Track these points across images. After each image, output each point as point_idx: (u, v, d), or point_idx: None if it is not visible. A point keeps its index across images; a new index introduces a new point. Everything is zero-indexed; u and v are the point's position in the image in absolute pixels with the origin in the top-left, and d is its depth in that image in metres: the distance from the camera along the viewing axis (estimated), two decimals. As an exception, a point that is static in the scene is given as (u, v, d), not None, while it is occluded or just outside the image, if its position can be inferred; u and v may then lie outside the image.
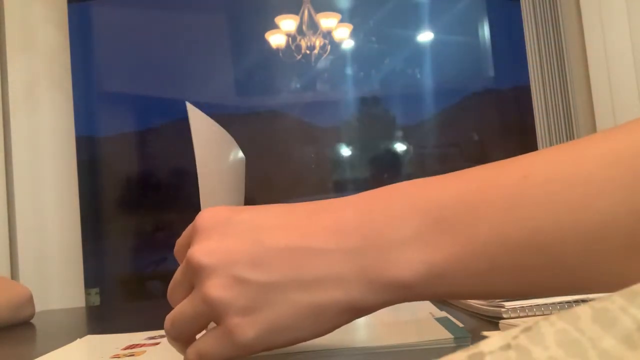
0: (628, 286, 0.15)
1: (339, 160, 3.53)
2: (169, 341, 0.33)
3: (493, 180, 0.27)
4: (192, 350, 0.31)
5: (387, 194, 0.29)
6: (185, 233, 0.33)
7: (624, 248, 0.23)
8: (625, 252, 0.24)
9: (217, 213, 0.31)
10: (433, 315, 0.43)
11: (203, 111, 0.42)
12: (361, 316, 0.29)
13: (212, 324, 0.31)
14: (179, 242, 0.34)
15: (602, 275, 0.24)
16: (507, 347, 0.15)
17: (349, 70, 3.56)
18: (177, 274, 0.32)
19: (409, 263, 0.26)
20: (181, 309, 0.31)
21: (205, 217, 0.31)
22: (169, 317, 0.32)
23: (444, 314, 0.43)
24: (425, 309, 0.47)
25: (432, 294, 0.28)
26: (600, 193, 0.24)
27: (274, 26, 3.02)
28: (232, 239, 0.30)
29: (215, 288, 0.28)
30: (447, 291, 0.27)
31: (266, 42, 3.08)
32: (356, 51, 3.51)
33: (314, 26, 2.97)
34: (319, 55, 3.00)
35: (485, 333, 0.37)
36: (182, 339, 0.32)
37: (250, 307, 0.28)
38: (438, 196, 0.27)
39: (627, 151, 0.24)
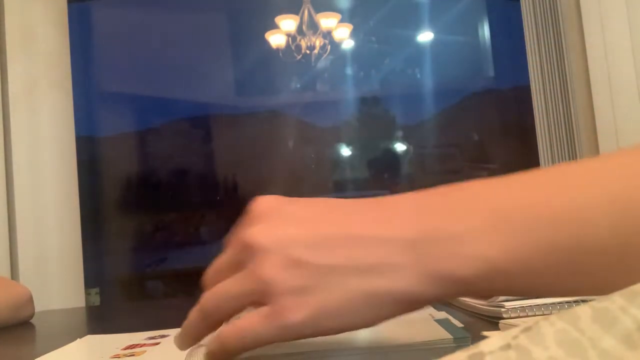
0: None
1: (339, 160, 3.53)
2: (196, 319, 0.31)
3: (558, 189, 0.26)
4: (230, 327, 0.30)
5: (447, 190, 0.29)
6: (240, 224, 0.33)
7: None
8: None
9: (273, 200, 0.31)
10: (432, 317, 0.43)
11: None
12: (414, 309, 0.28)
13: (246, 311, 0.30)
14: (235, 232, 0.33)
15: None
16: (507, 347, 0.15)
17: (349, 70, 3.56)
18: (224, 256, 0.32)
19: (468, 258, 0.26)
20: (226, 285, 0.30)
21: (261, 202, 0.31)
22: (209, 292, 0.31)
23: (443, 314, 0.43)
24: (425, 309, 0.47)
25: (488, 290, 0.27)
26: None
27: (274, 26, 3.02)
28: (290, 223, 0.30)
29: (270, 267, 0.28)
30: (504, 288, 0.27)
31: (266, 42, 3.08)
32: (356, 51, 3.51)
33: (314, 26, 2.97)
34: (319, 55, 3.00)
35: (485, 333, 0.37)
36: (216, 317, 0.31)
37: (303, 288, 0.27)
38: (502, 198, 0.27)
39: None
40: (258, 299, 0.29)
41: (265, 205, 0.31)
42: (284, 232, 0.29)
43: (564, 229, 0.25)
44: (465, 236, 0.26)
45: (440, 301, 0.28)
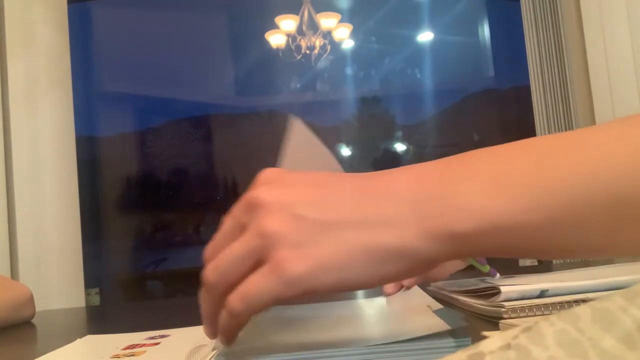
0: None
1: (338, 160, 3.53)
2: (205, 294, 0.31)
3: (555, 149, 0.27)
4: (234, 295, 0.29)
5: (448, 159, 0.30)
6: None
7: None
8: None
9: (278, 170, 0.32)
10: (431, 308, 0.43)
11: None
12: (414, 268, 0.28)
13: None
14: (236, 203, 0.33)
15: None
16: (507, 347, 0.15)
17: (349, 70, 3.56)
18: (225, 224, 0.32)
19: (468, 214, 0.26)
20: (229, 250, 0.30)
21: (267, 172, 0.32)
22: (212, 263, 0.31)
23: (441, 306, 0.43)
24: (423, 302, 0.47)
25: (488, 246, 0.27)
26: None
27: (274, 26, 3.02)
28: (294, 185, 0.30)
29: (272, 221, 0.28)
30: (505, 244, 0.27)
31: (266, 42, 3.08)
32: (356, 51, 3.51)
33: (314, 26, 2.97)
34: (319, 55, 3.00)
35: (485, 333, 0.37)
36: (222, 288, 0.30)
37: (304, 242, 0.28)
38: (502, 165, 0.28)
39: None
40: (260, 257, 0.29)
41: (270, 173, 0.32)
42: (287, 192, 0.30)
43: (562, 194, 0.26)
44: (465, 195, 0.27)
45: (440, 260, 0.28)
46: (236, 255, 0.30)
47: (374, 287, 0.29)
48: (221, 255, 0.30)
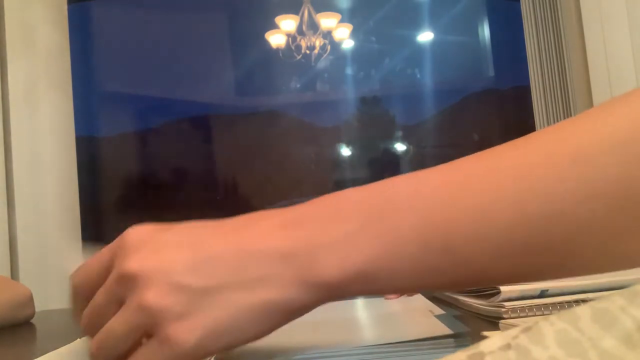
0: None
1: (339, 160, 3.53)
2: None
3: (423, 180, 0.29)
4: None
5: (321, 199, 0.30)
6: (100, 257, 0.31)
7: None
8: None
9: (145, 229, 0.31)
10: (433, 313, 0.43)
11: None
12: (298, 316, 0.29)
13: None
14: (91, 267, 0.32)
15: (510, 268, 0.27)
16: (507, 347, 0.15)
17: (349, 70, 3.56)
18: (99, 296, 0.30)
19: (336, 264, 0.28)
20: (111, 326, 0.29)
21: (133, 232, 0.30)
22: (94, 340, 0.30)
23: (442, 311, 0.43)
24: (425, 307, 0.47)
25: (359, 291, 0.29)
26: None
27: (274, 26, 3.02)
28: (166, 249, 0.29)
29: (152, 296, 0.28)
30: (374, 289, 0.29)
31: (266, 42, 3.08)
32: (356, 51, 3.51)
33: (314, 26, 2.97)
34: (319, 55, 3.00)
35: (485, 333, 0.37)
36: None
37: (189, 312, 0.28)
38: (366, 197, 0.29)
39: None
40: (146, 331, 0.28)
41: (138, 235, 0.30)
42: (162, 258, 0.29)
43: (432, 219, 0.27)
44: (333, 243, 0.28)
45: (316, 306, 0.29)
46: (120, 332, 0.29)
47: (264, 337, 0.30)
48: (104, 331, 0.30)
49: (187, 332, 0.27)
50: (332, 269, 0.28)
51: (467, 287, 0.29)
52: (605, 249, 0.26)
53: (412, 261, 0.27)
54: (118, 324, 0.29)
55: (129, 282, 0.28)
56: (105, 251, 0.31)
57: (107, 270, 0.30)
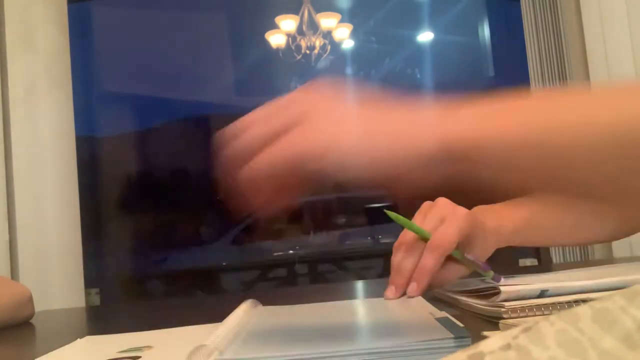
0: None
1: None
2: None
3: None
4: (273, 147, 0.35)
5: (457, 101, 0.37)
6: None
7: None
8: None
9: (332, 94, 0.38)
10: (433, 315, 0.43)
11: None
12: (411, 162, 0.35)
13: None
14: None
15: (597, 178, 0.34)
16: (507, 347, 0.15)
17: (349, 70, 3.56)
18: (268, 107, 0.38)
19: (466, 126, 0.35)
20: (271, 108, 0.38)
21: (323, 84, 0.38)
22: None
23: (443, 314, 0.43)
24: (425, 309, 0.47)
25: (480, 157, 0.35)
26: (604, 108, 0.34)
27: (274, 26, 3.02)
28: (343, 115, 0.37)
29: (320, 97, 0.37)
30: (495, 156, 0.35)
31: (266, 42, 3.08)
32: (356, 51, 3.51)
33: (314, 26, 2.97)
34: (319, 55, 3.00)
35: (485, 333, 0.37)
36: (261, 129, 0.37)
37: (338, 124, 0.35)
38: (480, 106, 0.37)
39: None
40: (299, 120, 0.35)
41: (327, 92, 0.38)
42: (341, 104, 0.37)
43: (552, 123, 0.34)
44: (467, 116, 0.36)
45: (432, 160, 0.35)
46: (277, 111, 0.37)
47: (381, 169, 0.35)
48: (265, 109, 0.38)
49: (326, 129, 0.35)
50: (463, 132, 0.35)
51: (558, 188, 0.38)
52: None
53: (520, 142, 0.34)
54: (277, 110, 0.37)
55: (300, 101, 0.37)
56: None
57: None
